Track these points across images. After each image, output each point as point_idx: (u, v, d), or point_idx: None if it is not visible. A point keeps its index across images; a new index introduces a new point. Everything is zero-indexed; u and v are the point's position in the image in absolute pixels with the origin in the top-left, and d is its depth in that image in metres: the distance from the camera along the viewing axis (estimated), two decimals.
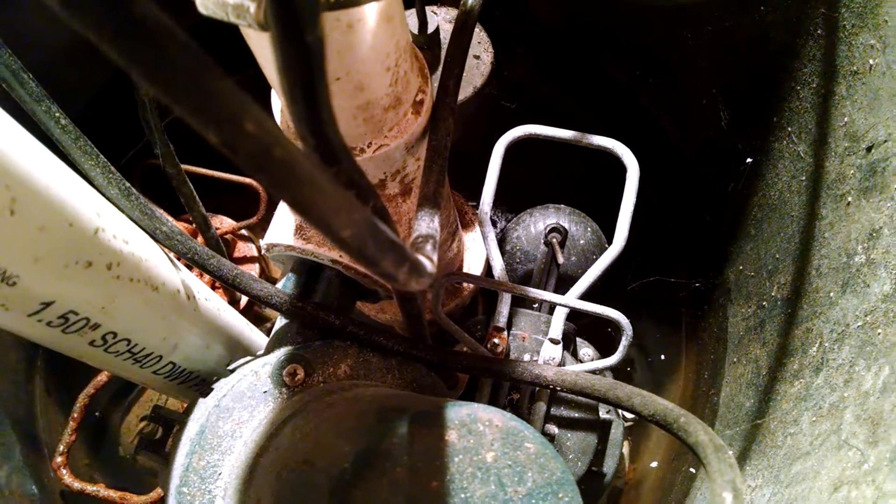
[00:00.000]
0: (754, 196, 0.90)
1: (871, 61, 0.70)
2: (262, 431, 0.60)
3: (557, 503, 0.47)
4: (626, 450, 1.13)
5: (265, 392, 0.64)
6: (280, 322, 0.70)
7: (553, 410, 0.86)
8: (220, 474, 0.61)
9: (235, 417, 0.62)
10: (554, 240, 0.94)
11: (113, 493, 1.05)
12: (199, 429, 0.62)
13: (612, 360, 0.80)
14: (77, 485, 1.05)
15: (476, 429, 0.46)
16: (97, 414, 1.15)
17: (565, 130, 0.86)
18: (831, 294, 0.72)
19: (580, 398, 0.86)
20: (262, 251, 0.72)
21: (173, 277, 0.62)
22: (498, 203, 0.90)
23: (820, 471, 0.62)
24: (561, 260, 0.92)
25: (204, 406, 0.64)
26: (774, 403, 0.78)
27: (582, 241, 1.01)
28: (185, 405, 0.70)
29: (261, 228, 1.18)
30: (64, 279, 0.49)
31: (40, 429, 1.14)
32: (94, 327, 0.55)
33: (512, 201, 1.10)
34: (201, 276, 0.92)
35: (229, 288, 0.65)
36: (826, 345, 0.70)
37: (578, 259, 0.97)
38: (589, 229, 1.02)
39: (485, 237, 0.87)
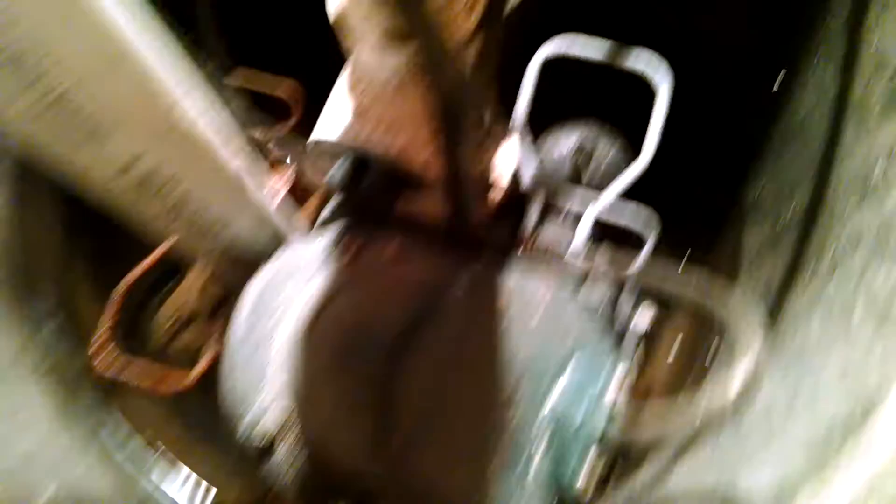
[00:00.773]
0: (777, 122, 0.94)
1: None
2: (315, 300, 0.65)
3: (596, 365, 0.52)
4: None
5: (317, 267, 0.68)
6: (329, 208, 0.74)
7: None
8: (273, 339, 0.66)
9: (290, 287, 0.67)
10: (580, 154, 0.98)
11: (147, 379, 1.11)
12: (257, 295, 0.67)
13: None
14: (114, 370, 1.11)
15: (525, 292, 0.51)
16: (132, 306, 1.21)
17: (597, 43, 0.89)
18: (847, 209, 0.76)
19: None
20: (309, 149, 0.76)
21: (235, 156, 0.66)
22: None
23: (828, 363, 0.68)
24: (587, 174, 0.96)
25: (261, 278, 0.69)
26: (786, 311, 0.83)
27: (608, 158, 1.04)
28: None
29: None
30: (152, 134, 0.53)
31: (80, 319, 1.19)
32: (172, 189, 0.59)
33: (539, 119, 1.12)
34: None
35: (291, 169, 0.69)
36: (839, 252, 0.75)
37: (604, 175, 1.01)
38: (616, 146, 1.05)
39: (517, 146, 0.91)
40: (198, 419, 1.22)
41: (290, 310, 0.67)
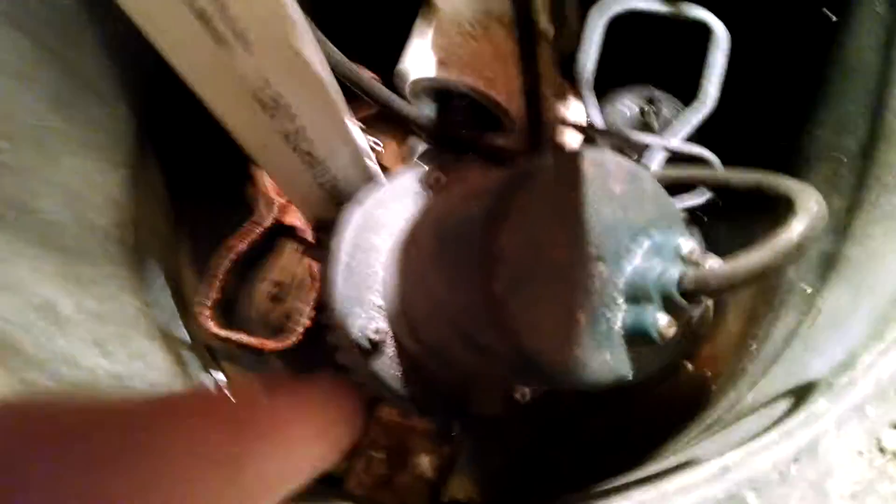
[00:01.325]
0: (832, 63, 0.99)
1: None
2: (413, 214, 0.73)
3: (669, 232, 0.58)
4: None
5: (415, 192, 0.77)
6: (421, 144, 0.83)
7: None
8: (379, 250, 0.75)
9: (391, 208, 0.76)
10: (650, 105, 1.04)
11: (254, 340, 1.21)
12: (361, 215, 0.76)
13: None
14: (222, 332, 1.21)
15: (607, 165, 0.58)
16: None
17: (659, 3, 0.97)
18: None
19: None
20: (403, 86, 0.85)
21: (341, 95, 0.75)
22: None
23: (888, 252, 0.72)
24: (657, 127, 1.03)
25: (364, 203, 0.77)
26: (850, 234, 0.87)
27: (668, 115, 1.11)
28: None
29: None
30: (280, 59, 0.62)
31: (185, 292, 1.31)
32: (292, 118, 0.69)
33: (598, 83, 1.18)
34: None
35: (384, 108, 0.78)
36: None
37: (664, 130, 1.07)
38: (673, 104, 1.12)
39: (585, 102, 0.99)
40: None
41: (391, 224, 0.75)
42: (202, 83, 0.61)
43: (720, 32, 0.97)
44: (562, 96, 1.13)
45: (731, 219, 1.08)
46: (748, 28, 1.04)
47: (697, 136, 1.01)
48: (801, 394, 0.64)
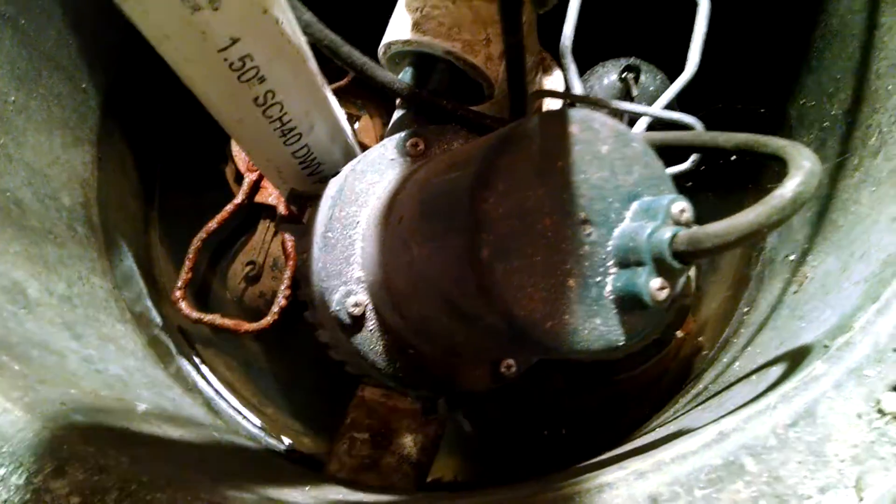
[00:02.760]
0: (815, 29, 0.98)
1: None
2: (394, 183, 0.70)
3: (659, 193, 0.56)
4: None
5: (392, 160, 0.74)
6: (398, 112, 0.80)
7: None
8: (357, 222, 0.72)
9: (368, 178, 0.73)
10: (629, 76, 1.02)
11: (229, 322, 1.18)
12: (338, 187, 0.73)
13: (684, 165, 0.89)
14: (195, 314, 1.18)
15: (593, 125, 0.55)
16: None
17: None
18: (889, 87, 0.80)
19: None
20: (379, 52, 0.82)
21: (314, 60, 0.72)
22: None
23: (879, 218, 0.71)
24: (635, 93, 1.01)
25: (340, 174, 0.75)
26: (835, 199, 0.86)
27: (652, 88, 1.09)
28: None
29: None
30: (248, 18, 0.59)
31: (157, 273, 1.27)
32: (261, 80, 0.65)
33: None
34: None
35: (358, 74, 0.75)
36: (884, 130, 0.79)
37: (652, 95, 1.06)
38: (658, 77, 1.10)
39: (566, 69, 0.96)
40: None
41: (369, 194, 0.72)
42: (167, 44, 0.57)
43: None
44: (542, 64, 1.11)
45: (715, 189, 1.07)
46: None
47: (679, 105, 0.99)
48: (795, 358, 0.63)
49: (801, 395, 0.53)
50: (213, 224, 1.21)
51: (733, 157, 1.05)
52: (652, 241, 0.51)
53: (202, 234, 1.20)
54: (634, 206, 0.55)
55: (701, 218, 0.53)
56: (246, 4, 0.58)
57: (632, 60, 1.09)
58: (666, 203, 0.53)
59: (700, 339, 1.20)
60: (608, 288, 0.54)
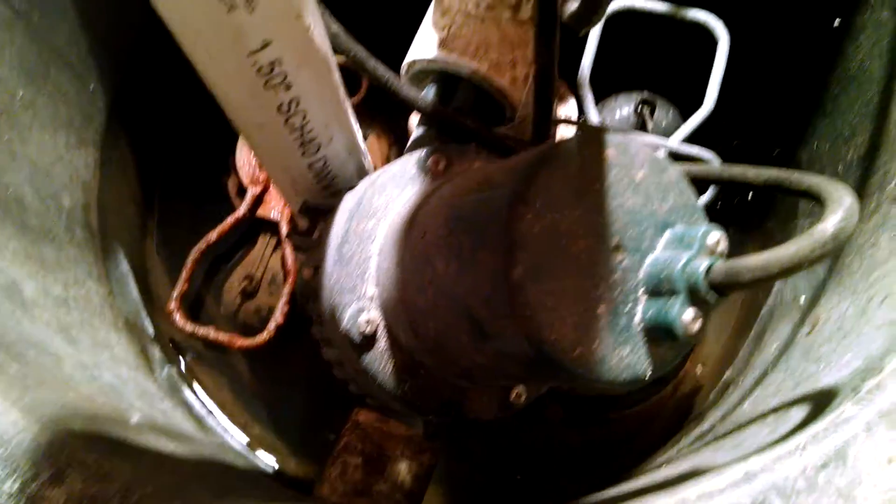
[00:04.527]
0: (832, 72, 0.98)
1: None
2: (413, 199, 0.69)
3: (692, 223, 0.55)
4: None
5: (413, 176, 0.73)
6: (420, 129, 0.79)
7: None
8: (374, 237, 0.70)
9: (388, 192, 0.72)
10: (645, 109, 1.02)
11: (222, 336, 1.15)
12: (356, 200, 0.71)
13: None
14: (189, 327, 1.15)
15: (630, 151, 0.55)
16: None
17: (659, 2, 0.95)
18: None
19: None
20: (403, 68, 0.81)
21: (338, 72, 0.71)
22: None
23: None
24: (650, 126, 1.00)
25: (359, 187, 0.73)
26: (850, 243, 0.86)
27: (664, 123, 1.09)
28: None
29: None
30: (282, 22, 0.58)
31: (151, 283, 1.24)
32: (288, 87, 0.64)
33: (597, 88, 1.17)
34: None
35: (382, 87, 0.74)
36: None
37: (668, 128, 1.05)
38: (671, 112, 1.10)
39: (584, 99, 0.96)
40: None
41: (387, 209, 0.71)
42: (197, 42, 0.56)
43: (721, 34, 0.95)
44: (559, 94, 1.10)
45: (726, 226, 1.06)
46: (748, 33, 1.03)
47: (696, 140, 0.99)
48: (818, 400, 0.61)
49: (830, 437, 0.51)
50: (213, 235, 1.19)
51: (750, 195, 1.05)
52: (687, 272, 0.50)
53: (201, 245, 1.18)
54: (667, 234, 0.54)
55: None
56: (281, 7, 0.57)
57: (645, 94, 1.09)
58: (701, 233, 0.52)
59: (698, 376, 1.18)
60: (638, 317, 0.52)
